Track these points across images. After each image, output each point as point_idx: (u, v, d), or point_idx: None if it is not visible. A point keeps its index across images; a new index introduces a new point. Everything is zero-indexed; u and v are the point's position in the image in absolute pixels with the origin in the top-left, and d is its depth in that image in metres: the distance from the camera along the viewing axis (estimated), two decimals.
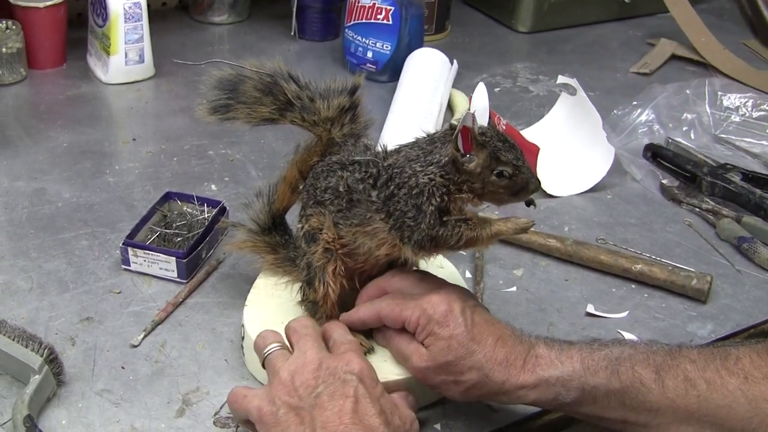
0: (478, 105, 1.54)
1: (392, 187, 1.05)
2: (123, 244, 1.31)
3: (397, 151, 1.08)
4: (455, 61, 1.87)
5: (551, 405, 1.04)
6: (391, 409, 1.00)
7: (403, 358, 1.09)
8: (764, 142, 1.76)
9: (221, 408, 1.11)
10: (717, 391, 1.00)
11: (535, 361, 1.03)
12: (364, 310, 1.12)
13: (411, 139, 1.10)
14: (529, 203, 1.11)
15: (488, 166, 1.03)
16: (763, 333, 1.31)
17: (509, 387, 1.02)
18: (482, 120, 1.05)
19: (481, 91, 1.57)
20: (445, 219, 1.04)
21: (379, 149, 1.11)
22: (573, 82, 1.67)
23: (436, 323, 1.04)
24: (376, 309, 1.10)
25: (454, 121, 1.06)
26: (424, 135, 1.09)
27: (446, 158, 1.03)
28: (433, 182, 1.03)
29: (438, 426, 1.11)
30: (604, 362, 1.02)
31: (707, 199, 1.57)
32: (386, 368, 1.10)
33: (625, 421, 1.03)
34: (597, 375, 1.01)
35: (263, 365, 1.05)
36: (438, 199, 1.03)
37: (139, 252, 1.30)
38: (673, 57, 2.16)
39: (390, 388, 1.08)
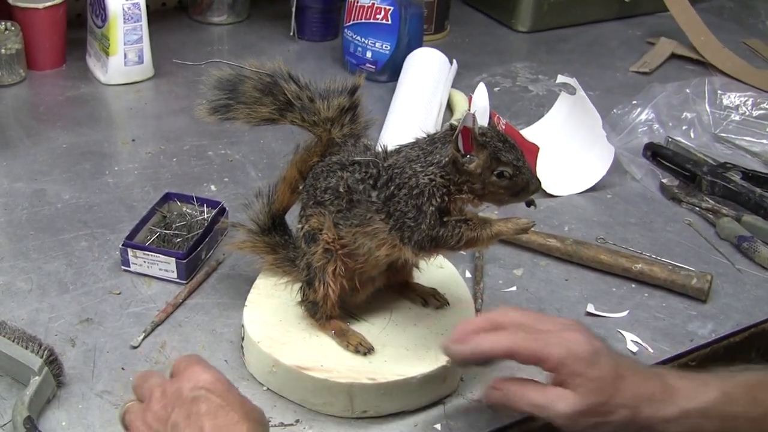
0: (479, 105, 1.55)
1: (392, 188, 1.05)
2: (122, 245, 1.31)
3: (398, 151, 1.08)
4: (455, 61, 1.87)
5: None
6: (252, 406, 0.94)
7: (539, 408, 0.99)
8: (764, 141, 1.76)
9: None
10: None
11: (673, 392, 0.98)
12: (490, 341, 1.01)
13: (411, 140, 1.10)
14: (530, 204, 1.11)
15: (489, 167, 1.03)
16: (764, 332, 1.30)
17: (655, 421, 0.97)
18: (482, 120, 1.05)
19: (481, 91, 1.57)
20: (445, 219, 1.04)
21: (379, 149, 1.11)
22: (572, 81, 1.66)
23: (585, 362, 0.97)
24: (508, 341, 1.00)
25: (454, 122, 1.06)
26: (425, 135, 1.09)
27: (447, 159, 1.03)
28: (434, 183, 1.03)
29: (438, 426, 1.11)
30: (741, 390, 0.99)
31: (707, 198, 1.57)
32: (387, 368, 1.10)
33: None
34: (736, 404, 0.98)
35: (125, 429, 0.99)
36: (438, 200, 1.03)
37: (139, 253, 1.30)
38: (673, 56, 2.16)
39: (391, 388, 1.09)
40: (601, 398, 0.96)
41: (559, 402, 0.97)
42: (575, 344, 0.98)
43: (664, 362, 1.24)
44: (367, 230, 1.08)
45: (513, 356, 1.00)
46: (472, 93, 1.60)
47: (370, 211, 1.07)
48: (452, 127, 1.05)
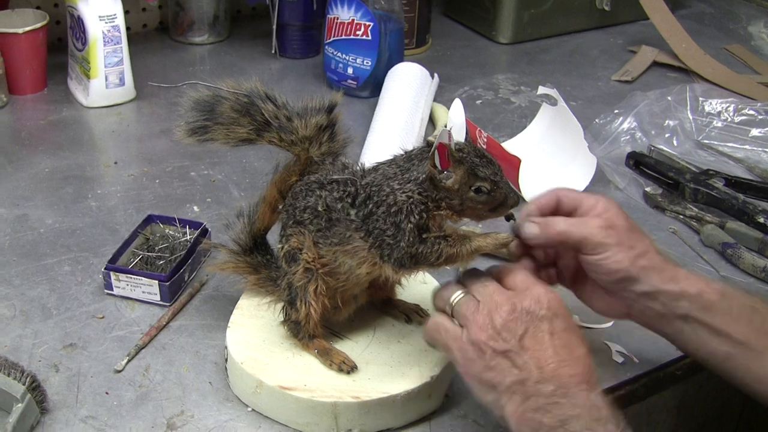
0: (455, 121, 1.55)
1: (371, 206, 1.05)
2: (105, 268, 1.31)
3: (375, 169, 1.08)
4: (436, 75, 1.87)
5: (692, 302, 1.09)
6: (582, 332, 1.02)
7: (576, 224, 1.10)
8: (747, 147, 1.77)
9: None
10: None
11: (676, 273, 1.11)
12: (541, 197, 1.15)
13: (389, 157, 1.09)
14: (509, 218, 1.11)
15: (466, 183, 1.03)
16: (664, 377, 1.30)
17: (668, 268, 1.10)
18: (459, 136, 1.05)
19: (457, 107, 1.57)
20: (424, 236, 1.04)
21: (357, 168, 1.11)
22: (553, 92, 1.67)
23: (615, 211, 1.11)
24: (554, 193, 1.14)
25: (431, 138, 1.06)
26: (402, 152, 1.09)
27: (424, 175, 1.03)
28: (411, 200, 1.03)
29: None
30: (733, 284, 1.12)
31: (691, 206, 1.57)
32: (370, 386, 1.10)
33: (747, 342, 1.08)
34: (734, 290, 1.11)
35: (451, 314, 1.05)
36: (417, 217, 1.03)
37: (122, 276, 1.30)
38: (655, 64, 2.17)
39: (375, 406, 1.08)
40: (627, 227, 1.10)
41: (593, 220, 1.10)
42: (608, 200, 1.13)
43: (651, 372, 1.24)
44: (347, 249, 1.07)
45: (558, 201, 1.14)
46: (449, 109, 1.60)
47: (350, 230, 1.07)
48: (429, 144, 1.05)
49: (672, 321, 1.12)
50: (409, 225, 1.03)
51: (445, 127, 1.03)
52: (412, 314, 1.21)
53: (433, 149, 1.01)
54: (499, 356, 0.98)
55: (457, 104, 1.57)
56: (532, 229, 1.10)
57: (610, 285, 1.12)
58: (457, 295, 1.04)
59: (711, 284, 1.10)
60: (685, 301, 1.10)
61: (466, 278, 1.06)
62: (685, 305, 1.10)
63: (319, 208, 1.08)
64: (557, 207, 1.14)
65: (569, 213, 1.13)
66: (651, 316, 1.13)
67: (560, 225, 1.10)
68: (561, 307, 1.01)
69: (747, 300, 1.10)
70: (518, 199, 1.07)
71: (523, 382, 0.97)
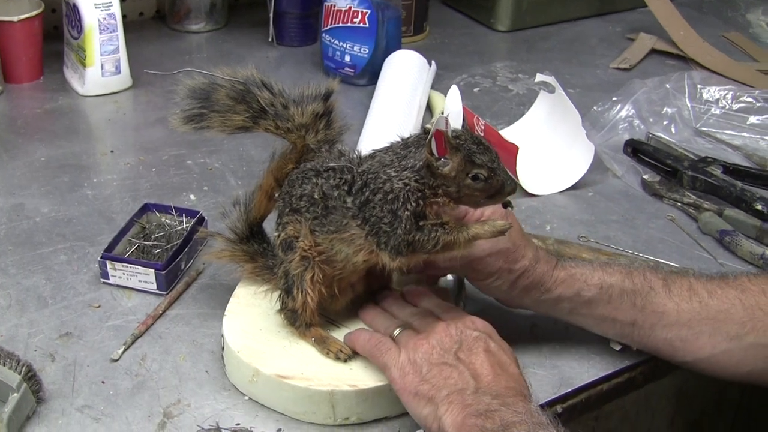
0: (452, 108, 1.54)
1: (367, 193, 1.04)
2: (101, 257, 1.30)
3: (372, 156, 1.08)
4: (433, 63, 1.87)
5: (572, 302, 1.17)
6: (515, 357, 1.07)
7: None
8: (745, 134, 1.76)
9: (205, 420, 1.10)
10: (717, 298, 1.15)
11: (564, 262, 1.18)
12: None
13: (385, 144, 1.09)
14: (506, 205, 1.11)
15: (463, 170, 1.03)
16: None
17: (546, 278, 1.15)
18: (456, 123, 1.05)
19: (454, 94, 1.57)
20: (421, 224, 1.03)
21: (354, 155, 1.10)
22: (551, 80, 1.66)
23: (498, 217, 1.13)
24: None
25: (428, 125, 1.06)
26: (399, 139, 1.08)
27: (420, 163, 1.03)
28: (408, 187, 1.03)
29: (421, 431, 1.10)
30: (618, 267, 1.18)
31: (689, 193, 1.56)
32: (367, 375, 1.10)
33: (634, 322, 1.17)
34: (613, 276, 1.16)
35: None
36: (413, 204, 1.03)
37: (118, 265, 1.29)
38: (653, 51, 2.16)
39: (372, 394, 1.08)
40: (509, 245, 1.14)
41: (477, 246, 1.11)
42: (489, 209, 1.16)
43: (649, 360, 1.24)
44: (344, 236, 1.07)
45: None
46: (446, 97, 1.60)
47: (346, 217, 1.06)
48: (426, 131, 1.05)
49: (561, 315, 1.20)
50: (405, 212, 1.02)
51: (442, 114, 1.03)
52: None
53: (430, 136, 1.01)
54: (435, 368, 1.02)
55: (454, 91, 1.57)
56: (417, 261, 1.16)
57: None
58: (397, 331, 1.10)
59: (589, 279, 1.16)
60: (566, 303, 1.18)
61: (401, 311, 1.15)
62: (567, 306, 1.18)
63: (316, 196, 1.08)
64: None
65: None
66: (543, 311, 1.21)
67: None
68: (493, 332, 1.08)
69: (627, 283, 1.16)
70: (515, 186, 1.06)
71: (460, 392, 0.99)
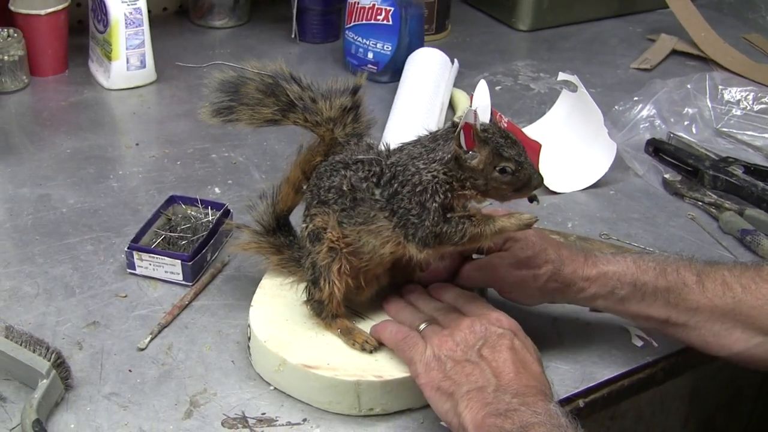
0: (480, 102, 1.55)
1: (396, 185, 1.05)
2: (128, 248, 1.31)
3: (400, 149, 1.09)
4: (456, 61, 1.87)
5: (607, 300, 1.17)
6: (539, 355, 1.07)
7: (480, 269, 1.18)
8: (766, 135, 1.76)
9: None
10: (751, 294, 1.14)
11: (594, 259, 1.17)
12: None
13: (413, 137, 1.10)
14: (532, 199, 1.11)
15: (491, 163, 1.04)
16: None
17: (576, 278, 1.16)
18: (484, 117, 1.06)
19: (482, 89, 1.58)
20: (449, 216, 1.05)
21: (382, 148, 1.11)
22: (574, 78, 1.67)
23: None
24: None
25: (456, 119, 1.07)
26: (427, 133, 1.09)
27: (449, 155, 1.04)
28: (437, 179, 1.04)
29: (444, 423, 1.11)
30: (653, 263, 1.17)
31: (710, 193, 1.57)
32: (393, 366, 1.11)
33: (667, 319, 1.16)
34: (647, 273, 1.15)
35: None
36: (441, 196, 1.04)
37: (144, 256, 1.31)
38: (674, 52, 2.16)
39: (397, 385, 1.09)
40: (529, 253, 1.15)
41: (495, 260, 1.17)
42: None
43: (669, 356, 1.25)
44: (372, 228, 1.08)
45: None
46: (474, 92, 1.60)
47: (374, 209, 1.07)
48: (454, 124, 1.06)
49: (596, 308, 1.22)
50: (434, 204, 1.03)
51: (470, 107, 1.04)
52: None
53: (458, 129, 1.02)
54: (458, 365, 1.03)
55: (482, 86, 1.58)
56: (441, 275, 1.21)
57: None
58: (422, 325, 1.10)
59: (622, 278, 1.16)
60: (601, 300, 1.18)
61: (426, 305, 1.15)
62: (602, 303, 1.18)
63: (344, 188, 1.09)
64: None
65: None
66: (579, 305, 1.23)
67: (465, 271, 1.20)
68: (519, 329, 1.08)
69: (661, 281, 1.15)
70: (542, 180, 1.07)
71: (481, 389, 0.99)
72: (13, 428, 1.07)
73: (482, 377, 1.01)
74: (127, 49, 1.82)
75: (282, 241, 1.23)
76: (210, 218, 1.40)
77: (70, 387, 1.13)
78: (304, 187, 1.18)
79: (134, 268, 1.32)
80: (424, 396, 1.08)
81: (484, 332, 1.05)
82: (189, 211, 1.42)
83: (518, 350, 1.03)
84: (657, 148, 1.67)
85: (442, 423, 1.10)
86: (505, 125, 1.59)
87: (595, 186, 1.60)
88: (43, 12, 1.82)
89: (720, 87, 1.82)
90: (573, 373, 1.20)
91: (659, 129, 1.73)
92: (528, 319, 1.16)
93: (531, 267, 1.15)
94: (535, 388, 0.99)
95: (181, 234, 1.37)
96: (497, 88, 1.95)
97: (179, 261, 1.30)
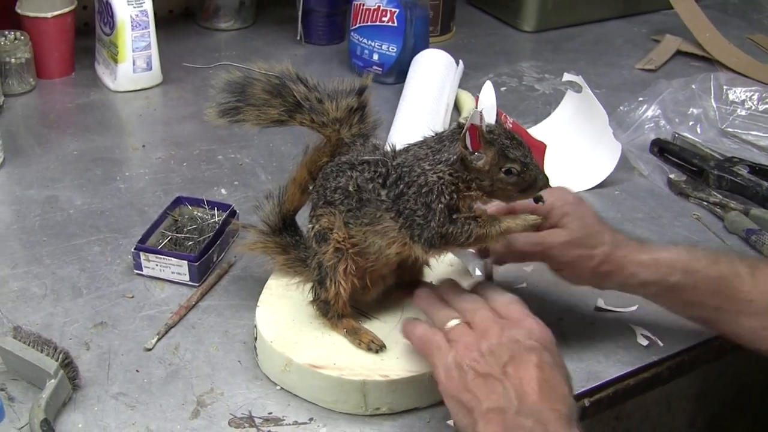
0: (486, 103, 1.55)
1: (402, 186, 1.06)
2: (135, 248, 1.32)
3: (406, 150, 1.09)
4: (461, 62, 1.88)
5: (658, 287, 1.17)
6: (568, 372, 1.01)
7: (536, 244, 1.17)
8: None
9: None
10: None
11: (647, 245, 1.18)
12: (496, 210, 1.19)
13: (419, 138, 1.10)
14: (538, 200, 1.12)
15: (496, 164, 1.04)
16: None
17: (629, 262, 1.16)
18: (490, 118, 1.06)
19: (488, 90, 1.58)
20: (454, 217, 1.05)
21: (388, 149, 1.11)
22: (578, 79, 1.67)
23: (573, 205, 1.18)
24: (510, 205, 1.18)
25: (462, 120, 1.07)
26: (433, 134, 1.10)
27: (455, 156, 1.04)
28: (442, 180, 1.04)
29: (451, 422, 1.11)
30: (705, 253, 1.18)
31: (715, 193, 1.57)
32: (399, 365, 1.11)
33: (719, 308, 1.16)
34: (699, 262, 1.16)
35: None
36: (447, 197, 1.04)
37: (151, 256, 1.31)
38: (678, 53, 2.16)
39: (403, 385, 1.09)
40: (585, 232, 1.15)
41: (552, 236, 1.16)
42: (563, 192, 1.20)
43: (675, 355, 1.25)
44: (378, 229, 1.08)
45: (513, 211, 1.16)
46: (479, 93, 1.61)
47: (380, 210, 1.07)
48: (460, 126, 1.06)
49: (646, 297, 1.22)
50: (439, 205, 1.04)
51: (476, 109, 1.04)
52: None
53: (464, 130, 1.02)
54: (480, 378, 0.97)
55: (488, 87, 1.58)
56: (496, 248, 1.19)
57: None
58: (453, 322, 1.04)
59: (675, 264, 1.15)
60: (652, 287, 1.17)
61: (459, 302, 1.07)
62: (652, 290, 1.18)
63: (350, 189, 1.09)
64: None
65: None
66: (627, 292, 1.22)
67: (519, 243, 1.17)
68: (551, 343, 1.01)
69: (714, 270, 1.15)
70: (548, 181, 1.07)
71: (502, 411, 0.94)
72: (22, 428, 1.07)
73: (504, 396, 0.95)
74: (133, 51, 1.83)
75: (288, 242, 1.24)
76: (216, 219, 1.40)
77: (77, 387, 1.13)
78: (311, 188, 1.19)
79: (141, 269, 1.33)
80: (430, 395, 1.09)
81: (513, 345, 0.98)
82: (195, 212, 1.42)
83: (546, 368, 0.97)
84: (662, 149, 1.68)
85: (449, 422, 1.11)
86: (510, 126, 1.59)
87: (600, 186, 1.60)
88: (49, 14, 1.83)
89: (725, 87, 1.83)
90: (578, 372, 1.20)
91: (664, 129, 1.73)
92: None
93: (586, 247, 1.16)
94: (558, 412, 0.94)
95: (187, 235, 1.38)
96: (502, 89, 1.95)
97: (186, 262, 1.30)
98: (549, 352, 0.99)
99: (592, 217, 1.17)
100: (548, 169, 1.50)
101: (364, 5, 1.92)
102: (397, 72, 1.92)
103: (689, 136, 1.72)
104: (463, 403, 0.97)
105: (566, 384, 0.98)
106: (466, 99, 1.81)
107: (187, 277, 1.31)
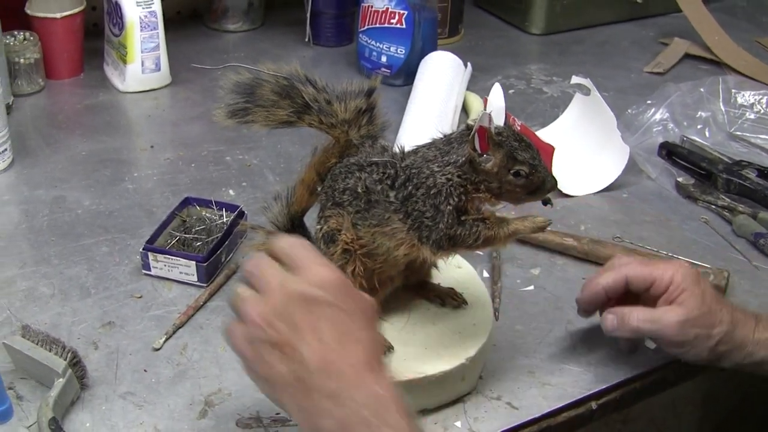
0: (494, 105, 1.55)
1: (410, 188, 1.06)
2: (143, 249, 1.32)
3: (415, 152, 1.09)
4: (469, 64, 1.88)
5: None
6: (372, 314, 0.94)
7: (650, 322, 1.15)
8: None
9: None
10: None
11: (765, 322, 1.15)
12: (607, 277, 1.19)
13: (428, 140, 1.10)
14: (546, 202, 1.11)
15: (505, 166, 1.04)
16: None
17: (748, 342, 1.13)
18: (498, 120, 1.06)
19: (496, 92, 1.58)
20: (462, 218, 1.05)
21: (397, 150, 1.11)
22: (587, 82, 1.67)
23: (691, 280, 1.14)
24: (622, 273, 1.18)
25: (470, 122, 1.07)
26: (441, 136, 1.10)
27: (463, 158, 1.04)
28: (451, 182, 1.04)
29: (458, 423, 1.12)
30: None
31: (723, 196, 1.57)
32: (406, 366, 1.11)
33: None
34: None
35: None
36: (456, 199, 1.04)
37: (159, 257, 1.32)
38: (687, 56, 2.16)
39: (410, 386, 1.09)
40: (704, 309, 1.12)
41: (668, 313, 1.13)
42: (682, 267, 1.16)
43: (680, 360, 1.25)
44: (386, 230, 1.08)
45: (628, 282, 1.17)
46: (488, 95, 1.61)
47: (389, 211, 1.07)
48: (468, 127, 1.06)
49: (763, 374, 1.18)
50: (448, 207, 1.04)
51: (484, 110, 1.04)
52: (447, 298, 1.22)
53: (472, 132, 1.02)
54: (274, 349, 0.89)
55: (497, 89, 1.58)
56: (610, 323, 1.18)
57: None
58: (239, 292, 0.94)
59: None
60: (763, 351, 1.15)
61: (245, 266, 0.96)
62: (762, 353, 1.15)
63: (359, 190, 1.09)
64: (627, 287, 1.19)
65: (641, 292, 1.18)
66: (744, 370, 1.19)
67: (634, 321, 1.15)
68: (341, 285, 0.92)
69: None
70: (556, 183, 1.07)
71: (298, 379, 0.88)
72: (30, 426, 1.08)
73: (298, 362, 0.88)
74: (142, 52, 1.84)
75: None
76: (224, 220, 1.41)
77: (85, 386, 1.14)
78: (319, 189, 1.19)
79: (149, 269, 1.33)
80: (438, 397, 1.09)
81: (298, 301, 0.90)
82: (203, 213, 1.43)
83: (336, 317, 0.90)
84: (670, 152, 1.68)
85: (456, 423, 1.11)
86: (519, 128, 1.59)
87: (608, 189, 1.60)
88: (59, 15, 1.84)
89: (733, 90, 1.82)
90: (586, 375, 1.20)
91: (672, 132, 1.73)
92: (541, 322, 1.16)
93: (704, 325, 1.13)
94: (359, 365, 0.88)
95: (195, 235, 1.38)
96: (510, 91, 1.95)
97: (194, 262, 1.31)
98: (340, 299, 0.91)
99: (711, 295, 1.14)
100: (556, 172, 1.51)
101: (372, 7, 1.92)
102: (406, 74, 1.92)
103: (697, 139, 1.72)
104: (262, 376, 0.92)
105: (362, 325, 0.91)
106: (474, 101, 1.81)
107: (195, 278, 1.31)
